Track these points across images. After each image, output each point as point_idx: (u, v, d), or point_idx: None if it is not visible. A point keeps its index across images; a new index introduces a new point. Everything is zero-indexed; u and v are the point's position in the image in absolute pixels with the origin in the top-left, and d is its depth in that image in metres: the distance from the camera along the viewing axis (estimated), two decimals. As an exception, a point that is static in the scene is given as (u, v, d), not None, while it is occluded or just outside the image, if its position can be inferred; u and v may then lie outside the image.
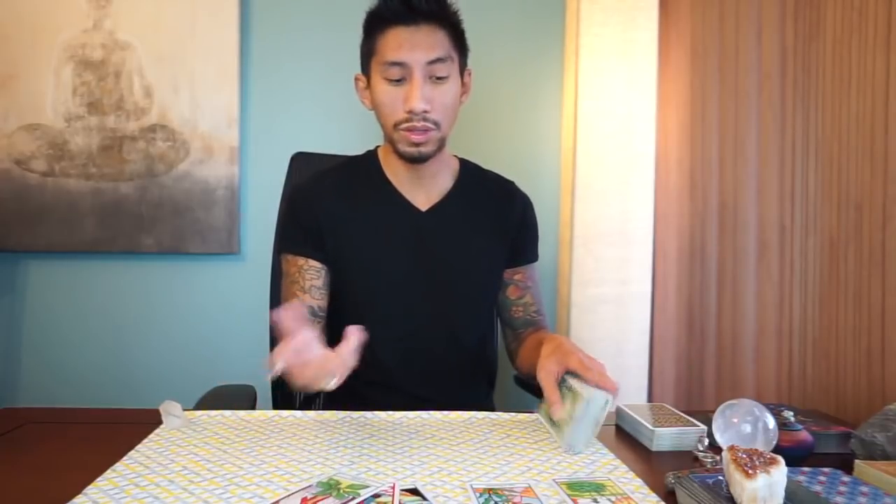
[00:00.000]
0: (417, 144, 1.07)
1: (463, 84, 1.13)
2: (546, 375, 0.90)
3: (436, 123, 1.07)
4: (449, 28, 1.08)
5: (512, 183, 1.29)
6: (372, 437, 0.89)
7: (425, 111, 1.05)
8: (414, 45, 1.04)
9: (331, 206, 1.15)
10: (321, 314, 1.16)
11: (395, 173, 1.17)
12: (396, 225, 1.15)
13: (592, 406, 0.83)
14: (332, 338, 1.24)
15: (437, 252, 1.15)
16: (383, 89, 1.07)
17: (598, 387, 0.84)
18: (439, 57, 1.05)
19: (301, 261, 1.15)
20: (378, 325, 1.14)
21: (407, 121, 1.06)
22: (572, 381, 0.87)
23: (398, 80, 1.06)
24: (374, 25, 1.08)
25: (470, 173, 1.24)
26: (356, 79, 1.15)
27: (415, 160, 1.10)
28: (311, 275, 1.14)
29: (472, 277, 1.18)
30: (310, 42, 1.88)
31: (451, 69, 1.08)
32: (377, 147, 1.23)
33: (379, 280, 1.14)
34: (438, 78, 1.06)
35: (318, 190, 1.18)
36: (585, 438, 0.86)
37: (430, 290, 1.15)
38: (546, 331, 1.23)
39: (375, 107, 1.10)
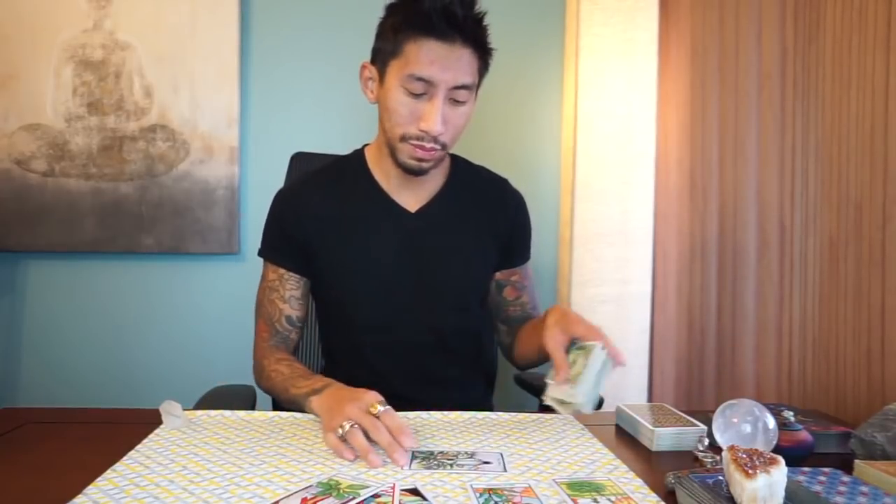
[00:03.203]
0: (420, 160, 1.05)
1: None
2: (553, 343, 0.93)
3: (444, 145, 1.05)
4: (480, 52, 1.04)
5: (505, 181, 1.26)
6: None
7: (440, 134, 1.02)
8: (446, 66, 0.99)
9: (317, 212, 1.13)
10: (299, 325, 1.17)
11: (385, 175, 1.15)
12: (384, 227, 1.13)
13: (598, 355, 0.90)
14: (325, 341, 1.25)
15: (425, 254, 1.13)
16: (400, 99, 1.02)
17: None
18: (465, 84, 1.01)
19: (282, 270, 1.15)
20: (367, 328, 1.14)
21: (417, 137, 1.03)
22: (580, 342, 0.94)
23: (418, 95, 1.01)
24: (407, 28, 1.00)
25: (461, 171, 1.21)
26: (363, 66, 1.09)
27: (413, 173, 1.08)
28: (291, 285, 1.15)
29: (461, 279, 1.17)
30: (310, 42, 1.88)
31: (471, 95, 1.05)
32: (364, 146, 1.21)
33: (367, 284, 1.12)
34: (457, 101, 1.03)
35: (303, 197, 1.16)
36: (595, 394, 0.90)
37: (418, 292, 1.13)
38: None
39: (384, 110, 1.06)
